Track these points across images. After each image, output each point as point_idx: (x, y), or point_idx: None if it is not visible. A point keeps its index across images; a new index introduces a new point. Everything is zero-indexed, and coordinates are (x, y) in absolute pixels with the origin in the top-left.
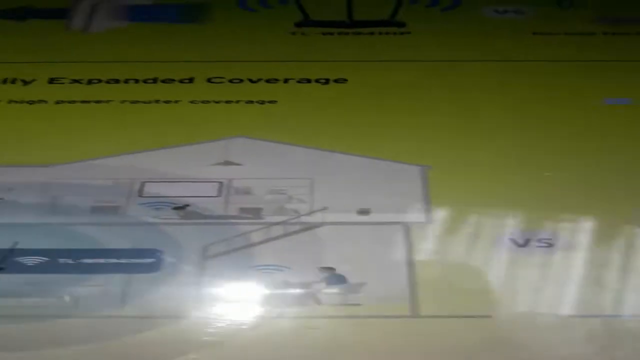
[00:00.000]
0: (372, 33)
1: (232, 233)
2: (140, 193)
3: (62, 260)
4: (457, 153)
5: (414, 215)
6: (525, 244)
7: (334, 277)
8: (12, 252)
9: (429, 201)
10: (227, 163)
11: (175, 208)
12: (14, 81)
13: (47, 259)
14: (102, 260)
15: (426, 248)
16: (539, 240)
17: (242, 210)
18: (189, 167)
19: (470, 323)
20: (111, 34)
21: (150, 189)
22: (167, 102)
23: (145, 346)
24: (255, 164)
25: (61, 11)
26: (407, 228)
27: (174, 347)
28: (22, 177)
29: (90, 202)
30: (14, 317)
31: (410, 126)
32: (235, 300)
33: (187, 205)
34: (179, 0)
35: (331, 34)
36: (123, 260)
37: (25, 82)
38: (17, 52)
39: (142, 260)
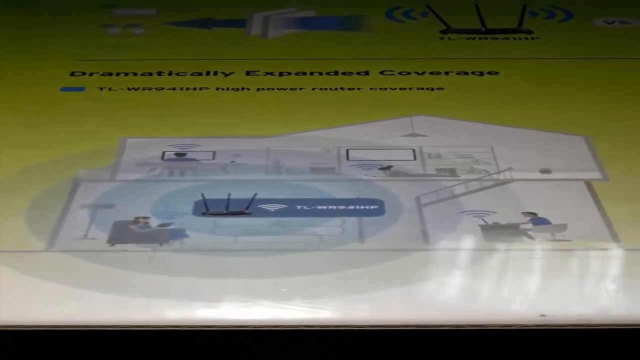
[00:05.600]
0: (507, 38)
1: (436, 187)
2: (347, 157)
3: (299, 207)
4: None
5: (591, 174)
6: None
7: (539, 219)
8: (253, 200)
9: (600, 162)
10: (414, 135)
11: (381, 169)
12: (215, 73)
13: (285, 206)
14: (334, 207)
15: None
16: None
17: (439, 170)
18: (382, 138)
19: None
20: (286, 39)
21: (355, 154)
22: (350, 89)
23: (387, 273)
24: (439, 136)
25: (239, 21)
26: (588, 184)
27: (412, 274)
28: (245, 146)
29: (308, 165)
30: (265, 251)
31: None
32: (452, 238)
33: (391, 167)
34: (336, 12)
35: (473, 38)
36: (351, 207)
37: (225, 74)
38: (208, 52)
39: (369, 207)
